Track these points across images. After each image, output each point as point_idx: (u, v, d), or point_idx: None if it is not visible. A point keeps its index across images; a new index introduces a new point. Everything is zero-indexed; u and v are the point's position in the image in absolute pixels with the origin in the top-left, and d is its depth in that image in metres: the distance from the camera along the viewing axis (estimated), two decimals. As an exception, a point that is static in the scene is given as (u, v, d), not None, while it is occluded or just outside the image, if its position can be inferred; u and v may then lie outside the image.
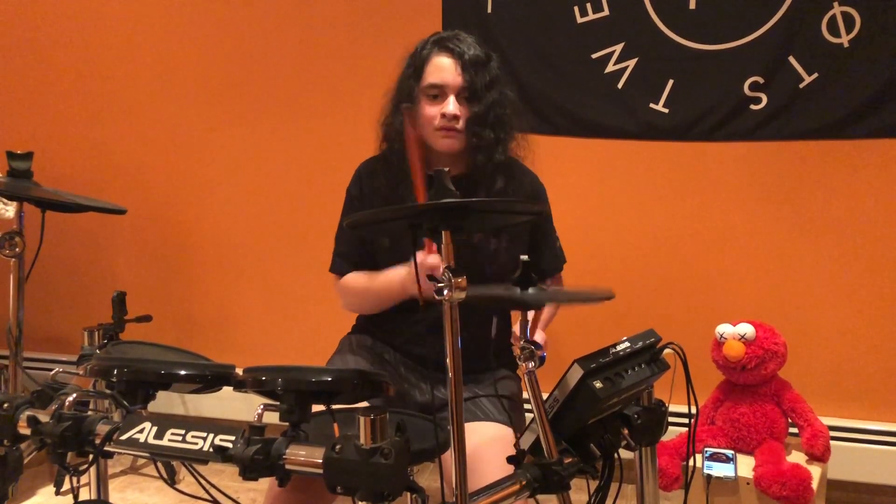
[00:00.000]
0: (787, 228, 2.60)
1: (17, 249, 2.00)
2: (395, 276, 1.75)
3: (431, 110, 1.75)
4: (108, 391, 1.23)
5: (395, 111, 1.81)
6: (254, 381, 1.15)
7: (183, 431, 1.13)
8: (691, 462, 1.65)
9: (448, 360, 1.13)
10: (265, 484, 1.56)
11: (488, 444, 1.61)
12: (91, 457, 1.20)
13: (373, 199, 1.87)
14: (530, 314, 1.34)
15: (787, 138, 2.56)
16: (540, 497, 1.32)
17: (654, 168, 2.67)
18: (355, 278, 1.87)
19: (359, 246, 1.87)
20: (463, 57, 1.73)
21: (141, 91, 3.10)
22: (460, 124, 1.74)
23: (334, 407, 1.13)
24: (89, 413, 1.21)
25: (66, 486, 2.60)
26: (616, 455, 1.41)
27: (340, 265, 1.90)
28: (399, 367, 1.86)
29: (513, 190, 1.80)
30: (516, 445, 1.38)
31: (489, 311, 1.83)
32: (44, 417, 1.21)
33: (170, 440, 1.13)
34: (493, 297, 1.46)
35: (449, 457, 1.17)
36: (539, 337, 1.69)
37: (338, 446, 1.04)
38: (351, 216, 1.25)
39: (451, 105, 1.72)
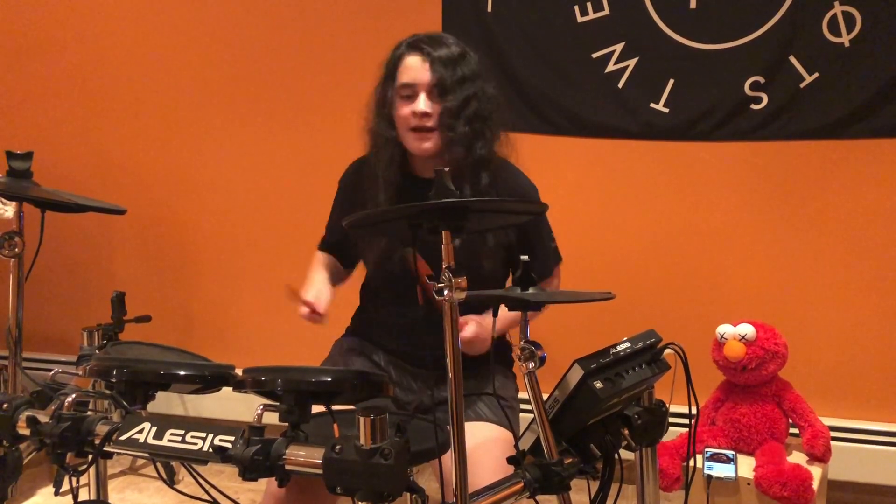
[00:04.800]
0: (787, 228, 2.60)
1: (16, 249, 2.00)
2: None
3: (404, 110, 1.74)
4: (107, 391, 1.23)
5: (376, 117, 1.81)
6: (253, 382, 1.15)
7: (182, 432, 1.13)
8: (692, 462, 1.64)
9: (448, 360, 1.13)
10: (265, 484, 1.56)
11: (482, 446, 1.61)
12: (90, 457, 1.19)
13: (354, 196, 1.90)
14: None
15: (787, 138, 2.55)
16: (540, 497, 1.32)
17: (654, 168, 2.67)
18: (315, 260, 1.98)
19: (340, 235, 1.91)
20: (431, 55, 1.72)
21: (140, 91, 3.10)
22: (432, 122, 1.72)
23: (334, 407, 1.13)
24: (89, 413, 1.21)
25: (66, 486, 2.59)
26: (616, 455, 1.41)
27: (321, 243, 2.01)
28: (389, 369, 1.85)
29: (498, 188, 1.77)
30: (516, 446, 1.37)
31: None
32: (43, 418, 1.21)
33: (169, 440, 1.13)
34: (493, 297, 1.46)
35: (446, 458, 1.17)
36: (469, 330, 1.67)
37: (338, 447, 1.04)
38: (350, 216, 1.24)
39: (422, 103, 1.71)
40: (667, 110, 2.63)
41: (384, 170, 1.79)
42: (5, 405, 1.25)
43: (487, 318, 1.71)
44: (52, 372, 1.49)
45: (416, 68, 1.73)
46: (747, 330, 2.26)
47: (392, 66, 1.77)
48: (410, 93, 1.73)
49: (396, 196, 1.78)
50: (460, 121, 1.71)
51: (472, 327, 1.67)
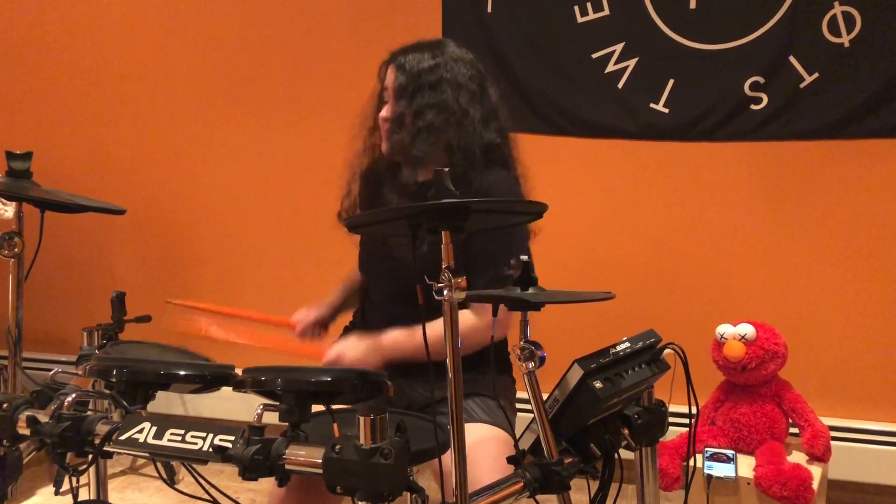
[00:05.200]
0: (787, 228, 2.60)
1: (16, 250, 1.99)
2: None
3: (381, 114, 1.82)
4: (107, 391, 1.23)
5: (369, 121, 1.88)
6: (253, 382, 1.15)
7: (182, 431, 1.13)
8: (692, 462, 1.64)
9: (448, 361, 1.13)
10: (265, 484, 1.56)
11: (478, 446, 1.61)
12: (90, 457, 1.19)
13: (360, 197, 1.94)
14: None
15: (787, 138, 2.55)
16: (540, 497, 1.32)
17: (654, 168, 2.67)
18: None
19: None
20: (398, 62, 1.78)
21: (140, 91, 3.10)
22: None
23: (333, 407, 1.13)
24: (89, 413, 1.21)
25: (66, 486, 2.58)
26: (616, 455, 1.41)
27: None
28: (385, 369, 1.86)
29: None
30: (516, 445, 1.37)
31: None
32: (43, 417, 1.21)
33: (169, 440, 1.12)
34: (492, 297, 1.46)
35: (446, 458, 1.17)
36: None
37: (337, 446, 1.04)
38: (350, 217, 1.25)
39: (385, 108, 1.79)
40: (667, 110, 2.62)
41: (389, 173, 1.83)
42: (5, 405, 1.25)
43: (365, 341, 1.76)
44: (52, 372, 1.49)
45: (387, 76, 1.80)
46: (747, 330, 2.26)
47: (380, 76, 1.84)
48: (385, 97, 1.81)
49: (374, 191, 1.83)
50: (404, 129, 1.75)
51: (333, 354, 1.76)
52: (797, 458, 2.24)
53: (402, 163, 1.79)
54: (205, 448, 1.10)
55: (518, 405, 1.90)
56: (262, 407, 1.12)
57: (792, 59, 2.51)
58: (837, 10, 2.46)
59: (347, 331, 2.00)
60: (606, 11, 2.63)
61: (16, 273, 2.02)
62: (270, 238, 3.04)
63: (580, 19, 2.66)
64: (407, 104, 1.74)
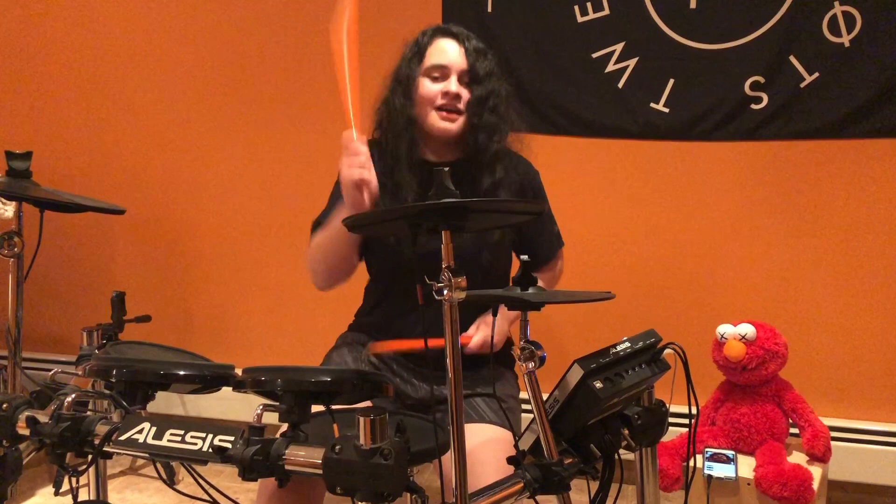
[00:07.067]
0: (787, 228, 2.60)
1: (15, 249, 2.00)
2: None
3: (432, 89, 1.77)
4: (107, 391, 1.23)
5: (392, 95, 1.83)
6: (253, 382, 1.15)
7: (182, 432, 1.13)
8: (692, 462, 1.64)
9: (448, 360, 1.13)
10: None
11: (484, 447, 1.61)
12: (90, 457, 1.19)
13: None
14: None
15: (787, 138, 2.55)
16: (540, 497, 1.31)
17: (654, 168, 2.67)
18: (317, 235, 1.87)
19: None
20: (466, 42, 1.78)
21: (140, 91, 3.10)
22: (462, 104, 1.76)
23: (333, 407, 1.13)
24: (88, 413, 1.21)
25: (66, 486, 2.59)
26: (616, 455, 1.41)
27: (314, 229, 1.88)
28: (391, 364, 1.86)
29: (509, 181, 1.81)
30: (516, 446, 1.37)
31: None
32: (43, 418, 1.21)
33: (169, 440, 1.13)
34: (492, 296, 1.46)
35: (447, 458, 1.17)
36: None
37: (337, 447, 1.04)
38: (350, 216, 1.24)
39: (454, 84, 1.75)
40: (667, 110, 2.62)
41: (406, 151, 1.80)
42: (5, 405, 1.25)
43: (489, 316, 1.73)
44: (52, 372, 1.49)
45: (450, 52, 1.77)
46: (747, 330, 2.26)
47: (422, 47, 1.81)
48: (440, 74, 1.77)
49: (416, 179, 1.79)
50: (485, 111, 1.76)
51: (479, 338, 1.76)
52: (797, 458, 2.24)
53: (468, 143, 1.78)
54: (204, 448, 1.10)
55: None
56: (261, 407, 1.12)
57: (792, 58, 2.51)
58: (837, 10, 2.46)
59: (351, 330, 1.99)
60: (606, 11, 2.63)
61: (16, 273, 2.02)
62: (270, 237, 3.04)
63: (580, 19, 2.66)
64: (487, 87, 1.76)
